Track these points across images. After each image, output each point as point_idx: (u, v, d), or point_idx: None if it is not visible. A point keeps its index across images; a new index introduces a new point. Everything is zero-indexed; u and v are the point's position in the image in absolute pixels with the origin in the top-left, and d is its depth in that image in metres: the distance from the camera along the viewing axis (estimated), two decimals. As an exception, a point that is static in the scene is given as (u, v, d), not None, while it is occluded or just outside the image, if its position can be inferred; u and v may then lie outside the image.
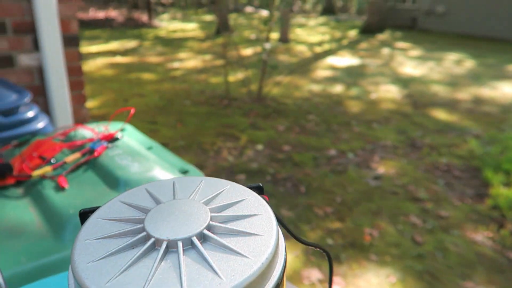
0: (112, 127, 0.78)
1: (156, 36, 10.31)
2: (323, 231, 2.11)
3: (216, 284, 0.19)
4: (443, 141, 3.53)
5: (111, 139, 0.70)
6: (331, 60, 7.32)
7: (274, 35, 9.43)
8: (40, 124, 0.99)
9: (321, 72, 6.39)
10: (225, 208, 0.24)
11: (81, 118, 1.75)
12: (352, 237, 2.08)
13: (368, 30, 11.17)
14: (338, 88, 5.31)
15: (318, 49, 8.46)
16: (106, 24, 12.17)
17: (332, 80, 5.83)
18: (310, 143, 3.36)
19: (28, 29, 1.57)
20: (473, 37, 9.45)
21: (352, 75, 6.13)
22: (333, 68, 6.70)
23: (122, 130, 0.76)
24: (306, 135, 3.54)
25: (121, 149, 0.68)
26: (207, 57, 7.58)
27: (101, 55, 7.43)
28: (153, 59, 7.28)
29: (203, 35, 10.59)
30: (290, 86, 5.40)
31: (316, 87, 5.34)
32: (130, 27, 11.88)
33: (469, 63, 7.12)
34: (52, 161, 0.64)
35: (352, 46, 8.90)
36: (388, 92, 5.19)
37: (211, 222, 0.22)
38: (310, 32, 11.54)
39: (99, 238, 0.23)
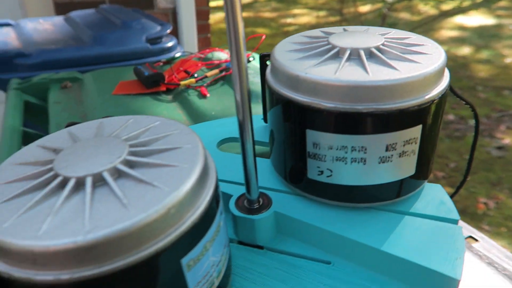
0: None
1: (272, -9, 10.29)
2: (432, 194, 2.02)
3: (121, 215, 0.18)
4: None
5: (244, 61, 0.77)
6: (460, 19, 6.55)
7: (396, -9, 8.72)
8: (179, 53, 1.11)
9: (447, 32, 5.78)
10: (147, 143, 0.23)
11: (205, 60, 1.89)
12: (463, 204, 1.95)
13: (511, -14, 9.62)
14: (465, 50, 4.78)
15: (445, 7, 7.61)
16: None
17: (459, 41, 5.25)
18: (426, 106, 3.15)
19: (166, -26, 1.72)
20: None
21: (483, 37, 5.44)
22: (461, 28, 6.00)
23: (252, 55, 0.82)
24: (422, 97, 3.32)
25: (252, 70, 0.75)
26: (322, 13, 7.37)
27: (219, 9, 7.74)
28: (268, 14, 7.33)
29: (319, -9, 10.26)
30: (409, 46, 5.03)
31: (439, 48, 4.88)
32: (247, -18, 12.03)
33: None
34: (195, 75, 0.74)
35: (487, 5, 7.81)
36: (528, 57, 4.51)
37: (127, 157, 0.21)
38: (439, -12, 10.38)
39: (5, 183, 0.22)
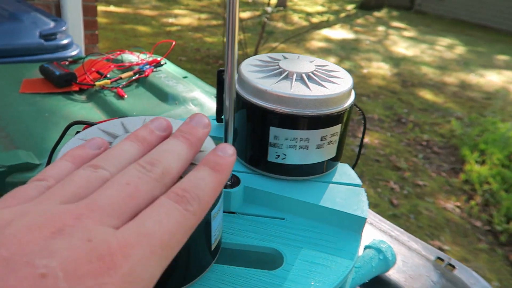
0: (146, 56, 0.88)
1: (152, -11, 10.03)
2: (309, 187, 2.28)
3: None
4: (427, 120, 3.71)
5: (156, 64, 0.80)
6: (327, 32, 7.35)
7: (273, 0, 9.31)
8: (75, 52, 1.08)
9: (316, 43, 6.44)
10: None
11: (92, 57, 1.81)
12: (335, 195, 2.25)
13: (366, 6, 11.10)
14: (331, 60, 5.40)
15: (315, 20, 8.44)
16: (99, -29, 11.71)
17: (326, 52, 5.90)
18: (301, 109, 3.48)
19: (48, -36, 1.60)
20: (468, 23, 9.55)
21: (346, 49, 6.21)
22: (328, 40, 6.75)
23: (163, 59, 0.86)
24: (298, 101, 3.65)
25: (165, 73, 0.79)
26: (203, 16, 7.48)
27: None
28: (148, 12, 7.15)
29: (200, -7, 10.35)
30: (284, 53, 5.45)
31: (310, 57, 5.41)
32: (124, -23, 11.47)
33: (460, 49, 7.27)
34: (108, 76, 0.75)
35: (348, 21, 8.90)
36: (379, 69, 5.31)
37: None
38: (308, 1, 11.40)
39: None
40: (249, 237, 0.33)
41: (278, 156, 0.38)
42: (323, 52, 5.74)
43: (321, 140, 0.38)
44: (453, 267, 0.44)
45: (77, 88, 0.71)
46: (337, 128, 0.39)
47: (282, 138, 0.37)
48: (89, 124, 0.32)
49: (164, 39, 5.28)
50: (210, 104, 0.73)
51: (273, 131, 0.37)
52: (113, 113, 0.65)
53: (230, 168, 0.25)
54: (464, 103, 4.32)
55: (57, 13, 1.68)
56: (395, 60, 5.85)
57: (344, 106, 0.39)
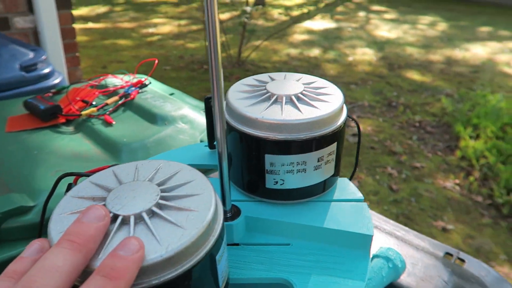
0: (130, 78, 0.87)
1: (127, 0, 9.97)
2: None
3: (154, 250, 0.24)
4: (417, 100, 3.72)
5: (141, 85, 0.79)
6: (308, 24, 7.34)
7: (250, -1, 9.28)
8: (57, 80, 1.07)
9: (298, 36, 6.43)
10: (174, 188, 0.30)
11: (76, 80, 1.80)
12: (335, 187, 2.25)
13: (343, -6, 11.08)
14: (315, 52, 5.40)
15: (295, 13, 8.43)
16: (74, -12, 11.60)
17: (309, 44, 5.89)
18: (292, 104, 3.47)
19: (20, -9, 1.58)
20: (446, -1, 9.57)
21: (329, 39, 6.21)
22: (310, 32, 6.74)
23: (147, 79, 0.85)
24: (288, 97, 3.64)
25: (151, 93, 0.79)
26: (183, 22, 7.45)
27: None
28: (127, 24, 7.09)
29: (177, -1, 10.30)
30: (268, 50, 5.44)
31: (293, 51, 5.40)
32: (99, -9, 11.39)
33: (442, 26, 7.29)
34: (94, 103, 0.74)
35: (328, 10, 8.90)
36: (365, 55, 5.32)
37: (159, 201, 0.28)
38: (286, -5, 11.38)
39: (69, 214, 0.28)
40: (256, 269, 0.33)
41: (276, 182, 0.38)
42: (306, 45, 5.73)
43: (318, 161, 0.38)
44: (463, 261, 0.44)
45: (64, 120, 0.70)
46: (333, 147, 0.39)
47: (278, 164, 0.37)
48: (79, 175, 0.32)
49: (146, 51, 5.26)
50: (200, 120, 0.72)
51: (269, 158, 0.37)
52: (103, 142, 0.65)
53: (133, 270, 0.22)
54: (452, 80, 4.33)
55: (35, 40, 1.66)
56: (379, 44, 5.85)
57: (338, 123, 0.38)
